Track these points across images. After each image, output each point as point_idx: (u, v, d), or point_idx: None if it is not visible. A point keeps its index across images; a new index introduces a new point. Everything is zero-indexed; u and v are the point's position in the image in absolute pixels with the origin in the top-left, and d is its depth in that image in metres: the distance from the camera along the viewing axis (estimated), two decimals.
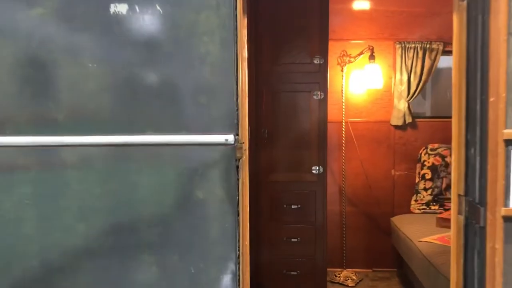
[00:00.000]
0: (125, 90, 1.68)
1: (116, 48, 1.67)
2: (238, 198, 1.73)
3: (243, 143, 1.79)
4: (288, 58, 3.52)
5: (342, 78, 3.89)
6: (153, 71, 1.67)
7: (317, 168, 3.51)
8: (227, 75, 1.69)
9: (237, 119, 1.72)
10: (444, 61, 4.13)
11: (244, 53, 1.82)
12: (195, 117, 1.67)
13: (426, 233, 3.33)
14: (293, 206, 3.54)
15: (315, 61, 3.49)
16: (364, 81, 3.90)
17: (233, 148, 1.68)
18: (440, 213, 3.75)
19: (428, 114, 4.35)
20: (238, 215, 1.73)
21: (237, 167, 1.72)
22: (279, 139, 3.56)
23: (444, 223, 3.42)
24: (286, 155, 3.56)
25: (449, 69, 4.36)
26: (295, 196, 3.55)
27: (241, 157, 1.75)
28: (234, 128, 1.69)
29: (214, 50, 1.68)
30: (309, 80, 3.52)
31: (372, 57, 3.80)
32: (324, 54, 3.49)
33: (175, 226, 1.69)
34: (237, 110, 1.72)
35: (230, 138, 1.67)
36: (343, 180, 3.98)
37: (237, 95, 1.72)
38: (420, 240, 3.20)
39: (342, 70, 3.87)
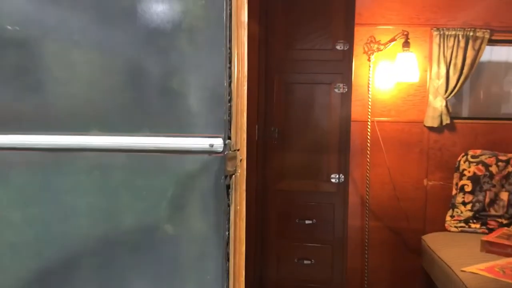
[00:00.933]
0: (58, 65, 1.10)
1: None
2: (229, 234, 1.14)
3: (238, 150, 1.19)
4: (305, 42, 2.92)
5: (369, 69, 3.27)
6: (95, 39, 1.08)
7: (337, 176, 2.91)
8: (214, 47, 1.10)
9: (229, 115, 1.13)
10: (490, 52, 3.50)
11: (242, 15, 1.23)
12: (163, 110, 1.09)
13: (469, 260, 2.71)
14: (306, 222, 2.94)
15: (338, 47, 2.89)
16: (395, 73, 3.28)
17: (222, 158, 1.10)
18: (484, 233, 3.13)
19: (465, 114, 3.71)
20: (228, 260, 1.14)
21: (228, 186, 1.13)
22: (291, 140, 2.96)
23: (492, 247, 2.80)
24: (300, 159, 2.96)
25: (495, 62, 3.72)
26: (309, 209, 2.96)
27: (235, 171, 1.16)
28: (224, 128, 1.10)
29: (194, 7, 1.09)
30: (330, 70, 2.91)
31: (406, 44, 3.18)
32: (350, 38, 2.88)
33: (129, 279, 1.10)
34: (230, 100, 1.14)
35: (217, 142, 1.09)
36: (366, 190, 3.36)
37: (229, 78, 1.14)
38: (463, 269, 2.58)
39: (369, 60, 3.26)
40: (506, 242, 2.76)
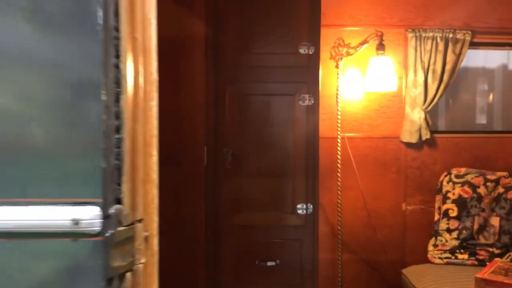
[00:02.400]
0: None
1: None
2: None
3: (141, 221, 0.65)
4: (263, 45, 2.41)
5: (338, 77, 2.79)
6: None
7: (305, 206, 2.40)
8: (83, 41, 0.56)
9: (118, 156, 0.59)
10: (473, 57, 3.11)
11: None
12: None
13: None
14: (269, 263, 2.41)
15: (301, 51, 2.39)
16: (368, 81, 2.81)
17: (101, 245, 0.55)
18: (473, 265, 2.69)
19: (441, 127, 3.29)
20: None
21: None
22: (248, 163, 2.44)
23: (488, 287, 2.34)
24: (259, 187, 2.43)
25: (478, 68, 3.33)
26: (272, 247, 2.43)
27: (132, 265, 0.61)
28: (103, 184, 0.56)
29: None
30: (294, 79, 2.42)
31: (381, 47, 2.72)
32: (315, 40, 2.40)
33: None
34: (118, 129, 0.59)
35: (88, 215, 0.54)
36: (338, 218, 2.87)
37: (116, 87, 0.59)
38: None
39: (337, 66, 2.78)
40: (505, 280, 2.31)
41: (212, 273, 2.46)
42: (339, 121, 2.79)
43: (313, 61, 2.39)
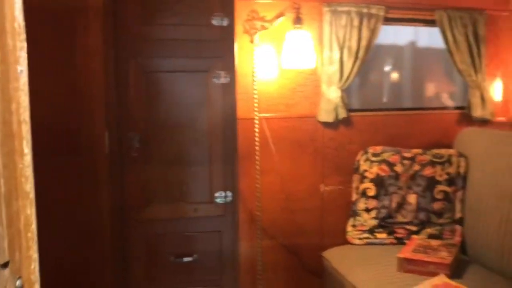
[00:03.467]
0: None
1: None
2: None
3: (5, 265, 0.38)
4: (171, 15, 2.12)
5: (253, 54, 2.58)
6: None
7: (223, 194, 2.19)
8: None
9: None
10: (386, 33, 3.06)
11: None
12: None
13: (389, 286, 2.19)
14: (185, 259, 2.17)
15: (214, 22, 2.15)
16: (285, 57, 2.64)
17: None
18: (392, 243, 2.67)
19: (355, 105, 3.23)
20: None
21: None
22: (158, 149, 2.16)
23: (411, 266, 2.32)
24: (172, 175, 2.18)
25: (389, 45, 3.30)
26: (188, 241, 2.20)
27: None
28: None
29: None
30: (207, 53, 2.17)
31: (298, 20, 2.55)
32: (229, 11, 2.16)
33: None
34: None
35: None
36: (257, 204, 2.69)
37: None
38: None
39: (252, 41, 2.57)
40: (426, 258, 2.30)
41: (120, 274, 2.17)
42: (256, 100, 2.59)
43: (228, 34, 2.16)
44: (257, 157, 2.65)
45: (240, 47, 2.55)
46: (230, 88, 2.16)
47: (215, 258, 2.21)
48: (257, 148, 2.64)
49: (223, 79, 2.15)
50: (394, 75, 3.48)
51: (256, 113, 2.61)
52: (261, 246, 2.74)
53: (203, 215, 2.18)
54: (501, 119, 3.01)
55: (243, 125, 2.56)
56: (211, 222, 2.19)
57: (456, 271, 2.27)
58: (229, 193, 2.19)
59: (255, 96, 2.60)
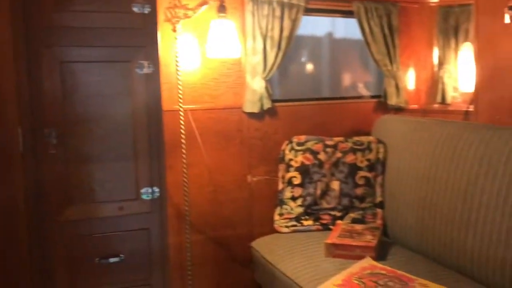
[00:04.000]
0: None
1: None
2: None
3: None
4: (86, 1, 1.99)
5: (176, 43, 2.50)
6: None
7: (150, 190, 2.11)
8: None
9: None
10: (305, 24, 3.10)
11: None
12: None
13: (318, 272, 2.24)
14: (111, 260, 2.07)
15: (135, 9, 2.04)
16: (209, 46, 2.58)
17: None
18: (318, 230, 2.74)
19: (277, 96, 3.26)
20: None
21: None
22: (79, 146, 2.03)
23: (338, 251, 2.39)
24: (95, 173, 2.06)
25: (308, 36, 3.36)
26: (114, 241, 2.09)
27: None
28: None
29: None
30: (128, 42, 2.07)
31: (222, 8, 2.50)
32: None
33: None
34: None
35: None
36: (185, 198, 2.63)
37: None
38: None
39: (174, 30, 2.48)
40: (352, 242, 2.38)
41: (40, 281, 2.02)
42: (180, 91, 2.52)
43: (150, 22, 2.06)
44: (183, 150, 2.59)
45: (162, 36, 2.45)
46: (154, 79, 2.07)
47: (143, 256, 2.12)
48: (183, 140, 2.57)
49: (147, 70, 2.06)
50: (314, 66, 3.56)
51: (181, 104, 2.54)
52: (190, 241, 2.69)
53: (129, 213, 2.08)
54: (414, 106, 3.19)
55: (168, 117, 2.47)
56: (138, 220, 2.10)
57: (380, 253, 2.38)
58: (156, 189, 2.11)
59: (180, 87, 2.52)
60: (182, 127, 2.55)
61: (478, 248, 2.05)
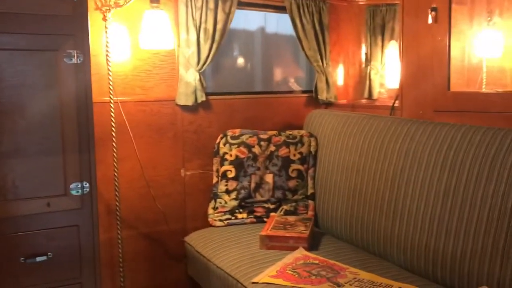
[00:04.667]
0: None
1: None
2: None
3: None
4: None
5: (106, 32, 2.40)
6: None
7: (80, 185, 2.02)
8: None
9: None
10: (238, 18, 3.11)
11: None
12: None
13: (254, 264, 2.26)
14: (38, 259, 1.96)
15: None
16: (142, 37, 2.51)
17: None
18: (252, 222, 2.77)
19: (211, 89, 3.25)
20: None
21: None
22: (0, 139, 1.90)
23: (273, 242, 2.43)
24: (19, 168, 1.93)
25: (240, 30, 3.37)
26: (41, 240, 1.99)
27: None
28: None
29: None
30: (56, 31, 1.96)
31: None
32: None
33: None
34: None
35: None
36: (116, 193, 2.55)
37: None
38: (255, 281, 2.11)
39: (105, 19, 2.39)
40: (286, 234, 2.43)
41: None
42: (111, 83, 2.43)
43: (80, 10, 1.97)
44: (114, 144, 2.51)
45: (92, 25, 2.34)
46: (83, 69, 1.98)
47: (72, 254, 2.03)
48: (114, 134, 2.49)
49: (76, 59, 1.96)
50: (247, 60, 3.58)
51: (111, 96, 2.45)
52: (121, 237, 2.62)
53: (57, 210, 1.98)
54: (343, 101, 3.30)
55: (98, 110, 2.36)
56: (67, 216, 2.00)
57: (312, 243, 2.44)
58: (86, 184, 2.02)
59: (110, 78, 2.43)
60: (113, 120, 2.47)
61: (404, 236, 2.17)
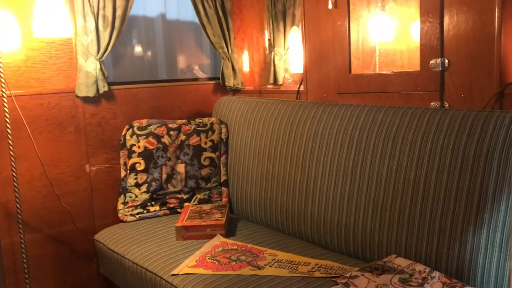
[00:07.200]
0: None
1: None
2: None
3: None
4: None
5: None
6: None
7: None
8: None
9: None
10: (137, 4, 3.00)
11: None
12: None
13: (172, 256, 2.22)
14: None
15: None
16: (36, 24, 2.32)
17: None
18: (165, 214, 2.72)
19: (112, 79, 3.11)
20: None
21: None
22: None
23: (189, 232, 2.40)
24: None
25: (143, 17, 3.25)
26: None
27: None
28: None
29: None
30: None
31: None
32: None
33: None
34: None
35: None
36: (15, 195, 2.35)
37: None
38: (175, 273, 2.07)
39: None
40: (202, 223, 2.41)
41: None
42: (2, 75, 2.22)
43: None
44: (10, 142, 2.30)
45: None
46: None
47: None
48: (9, 131, 2.28)
49: None
50: (149, 48, 3.47)
51: (3, 90, 2.24)
52: (24, 241, 2.43)
53: None
54: (250, 87, 3.33)
55: None
56: None
57: (229, 229, 2.46)
58: None
59: (1, 70, 2.22)
60: (7, 115, 2.27)
61: (316, 214, 2.26)
